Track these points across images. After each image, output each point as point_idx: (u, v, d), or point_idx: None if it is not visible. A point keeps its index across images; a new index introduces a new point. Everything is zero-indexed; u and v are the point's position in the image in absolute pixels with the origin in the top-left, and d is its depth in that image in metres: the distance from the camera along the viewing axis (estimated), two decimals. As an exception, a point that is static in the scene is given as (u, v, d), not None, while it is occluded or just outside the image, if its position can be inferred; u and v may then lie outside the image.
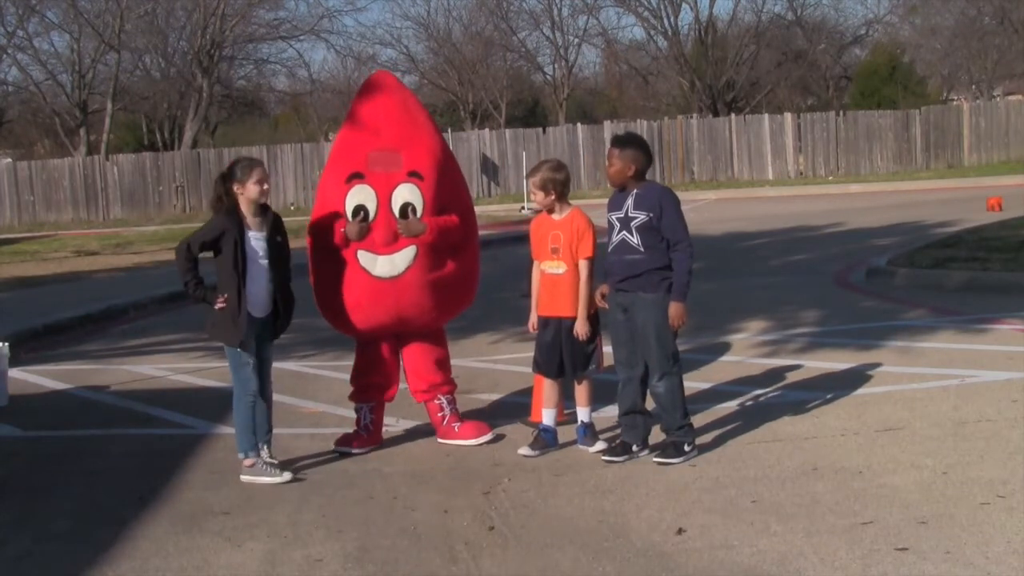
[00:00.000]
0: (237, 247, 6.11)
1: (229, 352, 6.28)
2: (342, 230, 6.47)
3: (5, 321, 11.76)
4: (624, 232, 6.13)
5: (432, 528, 5.30)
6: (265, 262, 6.24)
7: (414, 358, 6.81)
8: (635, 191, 6.16)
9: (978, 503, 5.19)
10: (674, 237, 6.06)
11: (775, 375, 8.17)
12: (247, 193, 6.21)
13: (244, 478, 6.23)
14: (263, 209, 6.31)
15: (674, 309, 6.03)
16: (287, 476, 6.18)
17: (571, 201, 6.56)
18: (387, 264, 6.49)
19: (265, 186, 6.26)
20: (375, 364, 6.76)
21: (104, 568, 4.97)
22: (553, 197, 6.41)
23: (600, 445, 6.46)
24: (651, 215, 6.06)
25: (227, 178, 6.25)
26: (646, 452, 6.27)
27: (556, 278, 6.41)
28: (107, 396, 8.69)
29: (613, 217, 6.21)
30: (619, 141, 6.30)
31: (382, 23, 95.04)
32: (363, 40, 77.31)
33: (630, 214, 6.11)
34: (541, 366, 6.56)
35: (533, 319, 6.58)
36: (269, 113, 55.29)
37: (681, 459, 6.12)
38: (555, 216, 6.47)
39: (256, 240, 6.22)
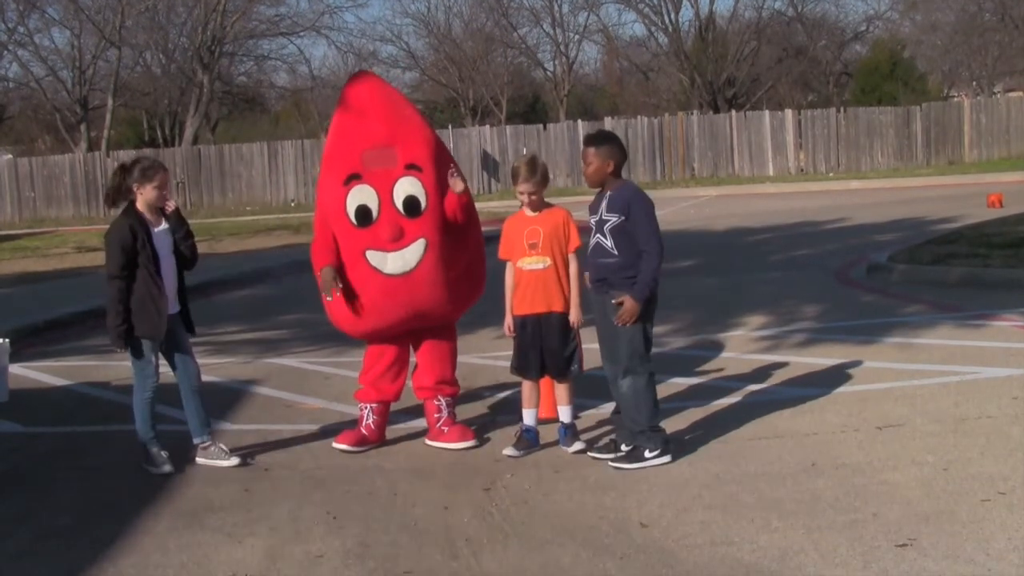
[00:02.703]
0: (146, 245, 6.11)
1: (133, 350, 6.26)
2: (323, 267, 6.44)
3: (6, 317, 11.76)
4: (599, 235, 6.03)
5: (433, 524, 5.30)
6: (173, 257, 6.28)
7: (426, 355, 6.77)
8: (609, 192, 6.06)
9: (979, 499, 5.18)
10: (642, 241, 5.94)
11: (775, 371, 8.16)
12: (144, 196, 6.21)
13: (200, 459, 6.41)
14: (160, 209, 6.32)
15: (627, 303, 5.89)
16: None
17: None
18: (398, 260, 6.44)
19: (165, 192, 6.26)
20: (385, 364, 6.70)
21: (105, 564, 4.97)
22: (544, 188, 6.34)
23: (579, 445, 6.33)
24: (622, 217, 5.95)
25: (127, 174, 6.21)
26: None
27: (540, 273, 6.25)
28: (108, 392, 8.67)
29: (592, 220, 6.12)
30: (594, 139, 6.16)
31: (383, 19, 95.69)
32: (364, 36, 77.88)
33: (603, 216, 6.01)
34: (521, 368, 6.42)
35: (509, 321, 6.39)
36: (270, 109, 55.31)
37: (636, 465, 5.92)
38: (529, 212, 6.35)
39: (161, 234, 6.24)
